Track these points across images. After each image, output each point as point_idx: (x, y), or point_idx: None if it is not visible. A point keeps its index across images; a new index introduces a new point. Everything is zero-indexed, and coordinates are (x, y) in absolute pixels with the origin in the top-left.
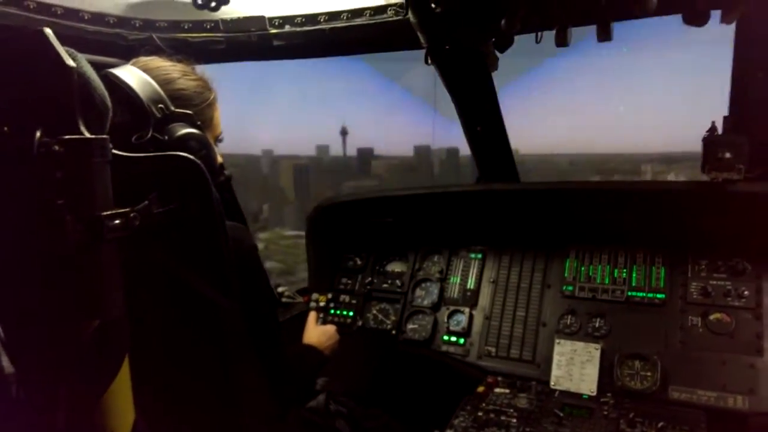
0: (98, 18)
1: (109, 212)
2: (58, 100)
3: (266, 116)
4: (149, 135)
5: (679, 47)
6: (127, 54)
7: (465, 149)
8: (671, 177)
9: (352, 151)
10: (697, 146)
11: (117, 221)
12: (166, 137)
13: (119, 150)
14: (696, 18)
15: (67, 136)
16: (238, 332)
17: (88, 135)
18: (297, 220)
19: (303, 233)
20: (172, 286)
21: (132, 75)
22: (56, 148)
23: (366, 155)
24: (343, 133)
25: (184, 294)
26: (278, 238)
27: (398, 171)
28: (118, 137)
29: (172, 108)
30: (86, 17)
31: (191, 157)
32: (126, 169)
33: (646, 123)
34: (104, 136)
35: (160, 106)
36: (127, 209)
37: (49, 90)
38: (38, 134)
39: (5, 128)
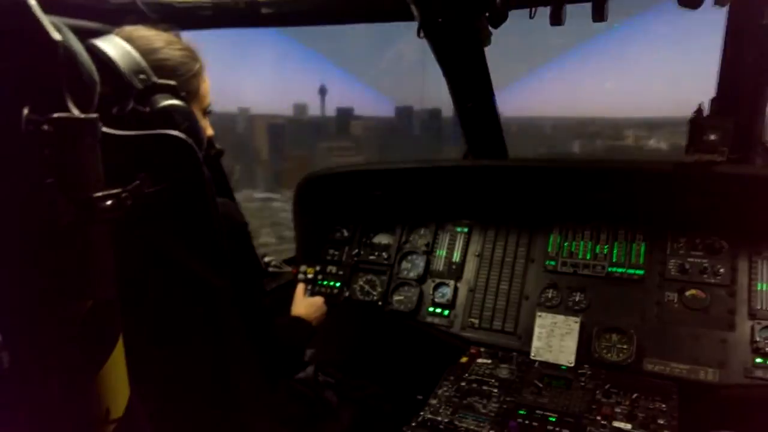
0: None
1: (101, 193)
2: (44, 76)
3: (246, 73)
4: (130, 106)
5: (661, 17)
6: (110, 18)
7: (447, 111)
8: (652, 142)
9: (332, 111)
10: (677, 112)
11: (109, 202)
12: (148, 109)
13: (103, 123)
14: (690, 0)
15: (56, 115)
16: (228, 308)
17: (76, 113)
18: (268, 181)
19: (273, 195)
20: (163, 264)
21: (112, 45)
22: (45, 127)
23: (345, 115)
24: (322, 92)
25: (175, 272)
26: (246, 200)
27: (378, 132)
28: (102, 109)
29: (155, 79)
30: None
31: (182, 135)
32: (116, 147)
33: (629, 89)
34: (94, 115)
35: (141, 76)
36: (119, 189)
37: (34, 65)
38: (26, 111)
39: None
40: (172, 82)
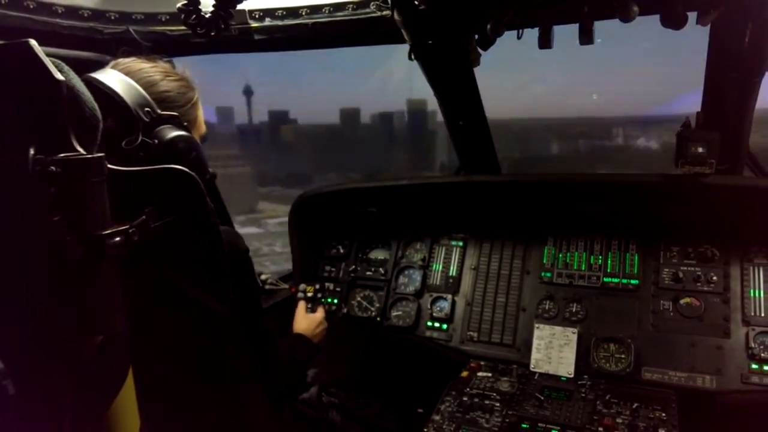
0: (72, 11)
1: (108, 230)
2: (48, 116)
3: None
4: (139, 140)
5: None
6: (104, 48)
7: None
8: (641, 141)
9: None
10: (666, 111)
11: (117, 239)
12: (156, 141)
13: (108, 155)
14: (674, 19)
15: (62, 155)
16: (235, 336)
17: (81, 151)
18: None
19: None
20: (170, 296)
21: (116, 79)
22: (53, 168)
23: (279, 119)
24: (248, 92)
25: (182, 303)
26: None
27: (312, 139)
28: (107, 143)
29: (159, 111)
30: (60, 11)
31: (186, 170)
32: (121, 183)
33: (617, 88)
34: (101, 154)
35: (146, 109)
36: (126, 226)
37: (38, 105)
38: (32, 152)
39: None
40: (175, 114)
